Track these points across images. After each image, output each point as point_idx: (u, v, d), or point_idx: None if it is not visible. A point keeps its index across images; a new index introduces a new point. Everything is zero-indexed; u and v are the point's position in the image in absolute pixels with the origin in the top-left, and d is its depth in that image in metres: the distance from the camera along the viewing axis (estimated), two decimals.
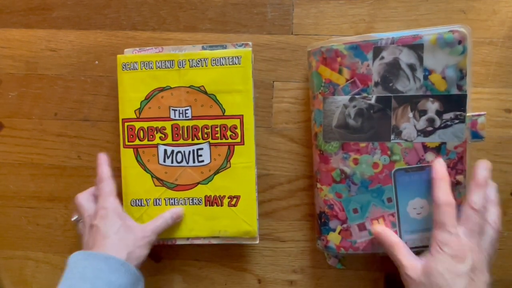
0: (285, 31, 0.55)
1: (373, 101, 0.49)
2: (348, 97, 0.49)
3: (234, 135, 0.52)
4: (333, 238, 0.51)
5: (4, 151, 0.59)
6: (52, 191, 0.58)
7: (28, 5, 0.57)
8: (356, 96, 0.49)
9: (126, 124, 0.53)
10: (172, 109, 0.52)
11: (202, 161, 0.52)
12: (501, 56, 0.53)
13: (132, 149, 0.53)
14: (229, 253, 0.57)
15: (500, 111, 0.54)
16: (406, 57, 0.48)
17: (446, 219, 0.43)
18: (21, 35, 0.57)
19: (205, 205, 0.53)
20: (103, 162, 0.52)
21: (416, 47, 0.47)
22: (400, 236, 0.49)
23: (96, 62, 0.57)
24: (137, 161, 0.53)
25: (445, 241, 0.42)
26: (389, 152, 0.49)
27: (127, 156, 0.53)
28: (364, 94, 0.49)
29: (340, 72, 0.49)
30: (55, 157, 0.58)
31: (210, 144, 0.52)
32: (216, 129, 0.52)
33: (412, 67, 0.48)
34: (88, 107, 0.57)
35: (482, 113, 0.48)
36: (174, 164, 0.53)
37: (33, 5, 0.57)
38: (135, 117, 0.53)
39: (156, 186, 0.53)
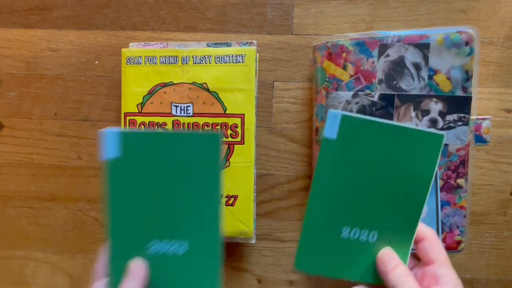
0: (285, 31, 0.55)
1: (376, 98, 0.49)
2: (351, 93, 0.49)
3: (234, 134, 0.52)
4: None
5: (4, 151, 0.58)
6: (52, 191, 0.58)
7: (28, 5, 0.57)
8: (359, 93, 0.49)
9: (128, 118, 0.53)
10: (174, 105, 0.52)
11: None
12: (501, 56, 0.53)
13: None
14: (229, 253, 0.57)
15: (500, 111, 0.53)
16: (411, 56, 0.48)
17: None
18: (21, 35, 0.57)
19: None
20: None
21: (422, 46, 0.47)
22: None
23: (96, 62, 0.57)
24: None
25: None
26: None
27: None
28: (368, 91, 0.49)
29: (344, 68, 0.49)
30: (55, 157, 0.58)
31: None
32: (217, 127, 0.52)
33: (417, 66, 0.48)
34: (88, 107, 0.57)
35: (487, 117, 0.48)
36: None
37: (33, 5, 0.57)
38: (137, 111, 0.53)
39: None
